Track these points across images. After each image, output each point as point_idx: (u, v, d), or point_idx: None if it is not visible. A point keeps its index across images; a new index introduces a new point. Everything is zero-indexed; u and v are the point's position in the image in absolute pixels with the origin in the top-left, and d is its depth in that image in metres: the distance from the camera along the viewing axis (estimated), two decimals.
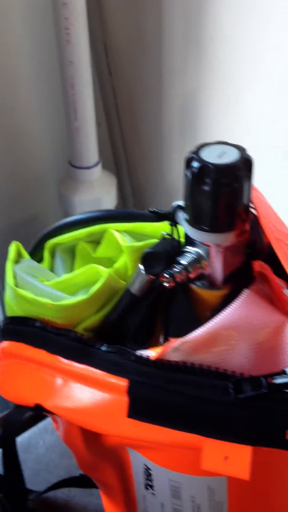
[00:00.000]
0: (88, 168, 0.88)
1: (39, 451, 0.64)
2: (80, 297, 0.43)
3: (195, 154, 0.38)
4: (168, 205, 0.44)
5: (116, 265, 0.46)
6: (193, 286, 0.42)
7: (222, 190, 0.37)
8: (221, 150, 0.39)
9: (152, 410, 0.39)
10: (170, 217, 0.44)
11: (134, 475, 0.46)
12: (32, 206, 0.92)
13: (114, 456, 0.46)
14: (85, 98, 0.85)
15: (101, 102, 0.94)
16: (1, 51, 0.81)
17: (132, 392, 0.39)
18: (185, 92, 0.85)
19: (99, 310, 0.45)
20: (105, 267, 0.46)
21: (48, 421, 0.67)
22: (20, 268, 0.46)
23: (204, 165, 0.37)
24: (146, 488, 0.46)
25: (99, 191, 0.88)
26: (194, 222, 0.40)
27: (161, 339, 0.44)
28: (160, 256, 0.41)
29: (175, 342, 0.39)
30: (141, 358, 0.39)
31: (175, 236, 0.43)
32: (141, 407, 0.39)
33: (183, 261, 0.41)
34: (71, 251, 0.50)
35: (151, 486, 0.45)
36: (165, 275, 0.40)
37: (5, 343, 0.45)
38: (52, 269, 0.49)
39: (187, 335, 0.39)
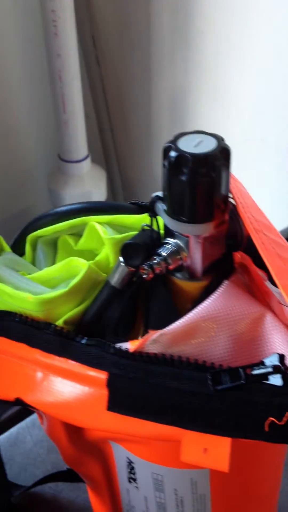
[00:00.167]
0: (77, 161, 0.87)
1: (27, 446, 0.64)
2: (60, 290, 0.43)
3: (172, 144, 0.38)
4: None
5: (98, 258, 0.46)
6: (173, 278, 0.42)
7: (199, 179, 0.37)
8: (199, 140, 0.38)
9: (131, 403, 0.38)
10: (150, 208, 0.43)
11: (117, 468, 0.46)
12: (22, 200, 0.91)
13: (97, 450, 0.46)
14: (74, 91, 0.84)
15: (90, 95, 0.93)
16: None
17: (111, 384, 0.39)
18: (174, 84, 0.85)
19: (80, 303, 0.44)
20: (88, 260, 0.45)
21: (36, 416, 0.67)
22: (0, 261, 0.46)
23: (181, 154, 0.37)
24: (129, 482, 0.46)
25: (88, 185, 0.88)
26: (172, 212, 0.39)
27: (142, 332, 0.44)
28: (139, 248, 0.41)
29: (153, 334, 0.38)
30: (120, 350, 0.39)
31: (155, 228, 0.43)
32: (120, 400, 0.39)
33: (163, 252, 0.40)
34: (53, 244, 0.50)
35: (134, 480, 0.45)
36: (144, 267, 0.40)
37: None
38: (33, 262, 0.49)
39: (166, 327, 0.38)
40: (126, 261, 0.42)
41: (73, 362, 0.40)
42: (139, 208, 0.47)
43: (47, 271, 0.46)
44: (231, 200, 0.41)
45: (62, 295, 0.43)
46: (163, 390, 0.37)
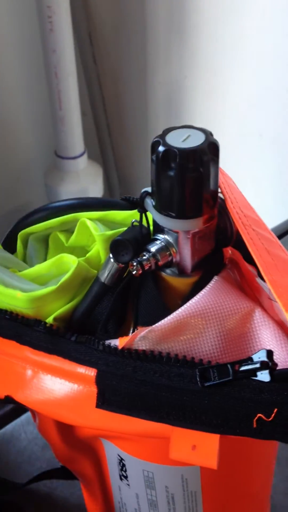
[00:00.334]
0: (73, 158, 0.87)
1: (21, 443, 0.64)
2: (50, 287, 0.43)
3: (161, 138, 0.38)
4: None
5: (89, 254, 0.46)
6: (163, 274, 0.41)
7: (187, 174, 0.37)
8: (187, 134, 0.38)
9: (119, 400, 0.38)
10: (139, 204, 0.43)
11: (109, 466, 0.46)
12: (19, 197, 0.91)
13: (88, 447, 0.46)
14: (69, 87, 0.84)
15: (87, 92, 0.93)
16: None
17: (100, 382, 0.38)
18: (170, 80, 0.84)
19: (71, 300, 0.44)
20: (79, 257, 0.45)
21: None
22: None
23: (169, 149, 0.37)
24: (121, 479, 0.45)
25: (85, 181, 0.87)
26: (161, 208, 0.39)
27: (133, 328, 0.43)
28: (129, 244, 0.40)
29: (142, 331, 0.38)
30: (109, 347, 0.39)
31: (144, 224, 0.42)
32: (109, 397, 0.38)
33: (152, 248, 0.40)
34: (44, 241, 0.49)
35: (126, 477, 0.45)
36: (133, 263, 0.40)
37: None
38: (25, 259, 0.49)
39: (155, 324, 0.38)
40: (115, 258, 0.41)
41: (62, 359, 0.40)
42: (130, 204, 0.47)
43: (37, 268, 0.45)
44: (220, 195, 0.40)
45: (51, 292, 0.42)
46: (152, 387, 0.37)
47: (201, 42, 0.80)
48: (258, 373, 0.35)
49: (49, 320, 0.43)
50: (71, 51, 0.82)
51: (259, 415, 0.34)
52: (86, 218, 0.46)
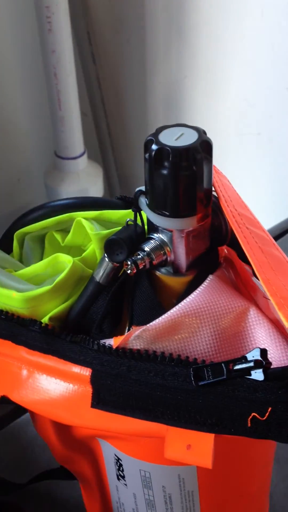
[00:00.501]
0: (73, 158, 0.87)
1: (22, 443, 0.64)
2: (45, 287, 0.42)
3: (154, 137, 0.37)
4: None
5: (85, 254, 0.46)
6: (157, 273, 0.41)
7: (180, 173, 0.37)
8: (180, 133, 0.38)
9: (114, 400, 0.38)
10: (134, 203, 0.43)
11: (106, 465, 0.46)
12: (19, 198, 0.91)
13: (86, 447, 0.46)
14: (69, 87, 0.84)
15: (86, 92, 0.93)
16: None
17: (94, 381, 0.38)
18: (170, 79, 0.84)
19: (66, 299, 0.44)
20: (75, 256, 0.45)
21: None
22: None
23: (162, 147, 0.36)
24: (118, 479, 0.45)
25: (85, 181, 0.87)
26: (154, 207, 0.39)
27: (128, 327, 0.43)
28: (123, 243, 0.40)
29: (137, 330, 0.38)
30: (103, 347, 0.39)
31: (139, 222, 0.42)
32: (104, 397, 0.38)
33: (146, 247, 0.40)
34: (40, 241, 0.49)
35: (123, 477, 0.45)
36: (127, 262, 0.39)
37: None
38: (21, 259, 0.49)
39: (149, 323, 0.38)
40: (110, 257, 0.41)
41: (57, 359, 0.40)
42: (126, 203, 0.47)
43: (33, 268, 0.45)
44: (214, 194, 0.40)
45: (47, 292, 0.42)
46: (146, 386, 0.37)
47: (200, 42, 0.80)
48: (252, 372, 0.35)
49: (45, 320, 0.43)
50: (70, 51, 0.83)
51: (253, 414, 0.34)
52: (81, 217, 0.46)
